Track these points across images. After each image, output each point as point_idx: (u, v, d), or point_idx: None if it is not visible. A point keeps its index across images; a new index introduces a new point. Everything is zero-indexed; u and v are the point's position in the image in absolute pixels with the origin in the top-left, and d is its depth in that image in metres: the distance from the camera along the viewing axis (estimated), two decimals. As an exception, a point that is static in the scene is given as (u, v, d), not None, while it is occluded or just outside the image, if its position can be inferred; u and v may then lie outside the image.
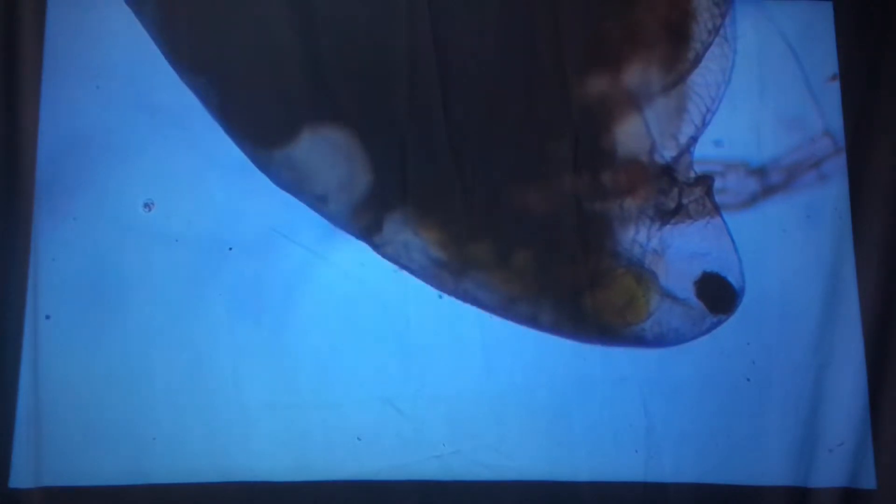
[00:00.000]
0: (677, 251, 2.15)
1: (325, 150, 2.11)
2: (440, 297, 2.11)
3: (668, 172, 2.16)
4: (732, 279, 2.14)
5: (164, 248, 2.06)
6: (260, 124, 2.12)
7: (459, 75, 2.15)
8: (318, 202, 2.11)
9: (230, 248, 2.08)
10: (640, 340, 2.12)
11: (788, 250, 2.16)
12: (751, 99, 2.21)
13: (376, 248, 2.11)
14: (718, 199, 2.16)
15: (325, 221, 2.11)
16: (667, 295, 2.13)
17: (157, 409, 2.02)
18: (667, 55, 2.19)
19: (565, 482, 2.07)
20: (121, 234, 2.06)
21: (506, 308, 2.11)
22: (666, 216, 2.15)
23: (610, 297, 2.12)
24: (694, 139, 2.18)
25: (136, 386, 2.02)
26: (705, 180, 2.17)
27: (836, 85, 2.22)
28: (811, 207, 2.18)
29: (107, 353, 2.03)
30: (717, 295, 2.14)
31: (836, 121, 2.21)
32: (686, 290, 2.13)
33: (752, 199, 2.18)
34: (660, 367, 2.11)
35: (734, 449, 2.09)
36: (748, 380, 2.11)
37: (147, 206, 2.08)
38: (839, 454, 2.10)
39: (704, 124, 2.18)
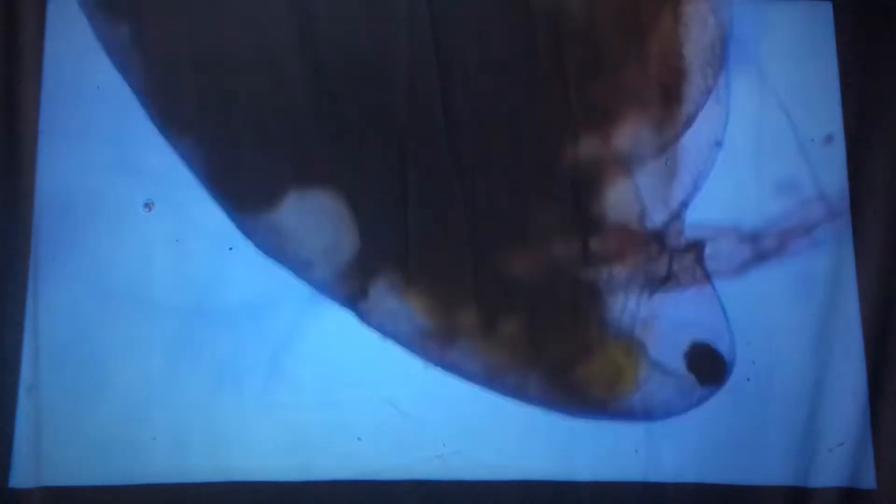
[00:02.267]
0: (667, 320, 2.11)
1: (311, 213, 2.08)
2: (426, 368, 2.08)
3: (658, 238, 2.12)
4: (723, 350, 2.10)
5: (164, 248, 2.07)
6: (245, 186, 2.08)
7: (454, 139, 2.12)
8: (302, 268, 2.07)
9: (230, 248, 2.08)
10: (628, 413, 2.08)
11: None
12: (744, 161, 2.17)
13: (361, 316, 2.07)
14: (709, 265, 2.14)
15: (308, 288, 2.07)
16: (656, 366, 2.09)
17: (157, 409, 2.02)
18: (659, 116, 2.16)
19: (565, 482, 2.07)
20: (121, 233, 2.07)
21: (493, 379, 2.07)
22: (656, 284, 2.11)
23: (598, 368, 2.08)
24: (685, 204, 2.14)
25: (136, 386, 2.02)
26: (696, 247, 2.13)
27: (831, 146, 2.19)
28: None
29: (107, 354, 2.03)
30: (707, 367, 2.10)
31: (831, 184, 2.18)
32: (676, 360, 2.09)
33: (744, 266, 2.14)
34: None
35: (734, 449, 2.09)
36: (748, 380, 2.11)
37: (147, 205, 2.08)
38: (839, 454, 2.10)
39: (696, 188, 2.15)
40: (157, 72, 2.10)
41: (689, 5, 2.19)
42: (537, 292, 2.09)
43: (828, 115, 2.21)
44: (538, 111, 2.15)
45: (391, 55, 2.13)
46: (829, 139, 2.19)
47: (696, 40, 2.19)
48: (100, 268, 2.05)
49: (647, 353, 2.09)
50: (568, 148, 2.13)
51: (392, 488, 2.04)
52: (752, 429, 2.09)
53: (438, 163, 2.11)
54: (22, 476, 1.99)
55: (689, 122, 2.16)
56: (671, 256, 2.12)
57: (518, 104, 2.15)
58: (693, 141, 2.16)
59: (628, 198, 2.13)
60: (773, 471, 2.09)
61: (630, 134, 2.15)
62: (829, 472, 2.09)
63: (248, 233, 2.07)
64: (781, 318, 2.13)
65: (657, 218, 2.13)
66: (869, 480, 2.10)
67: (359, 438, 2.05)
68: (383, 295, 2.08)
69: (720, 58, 2.19)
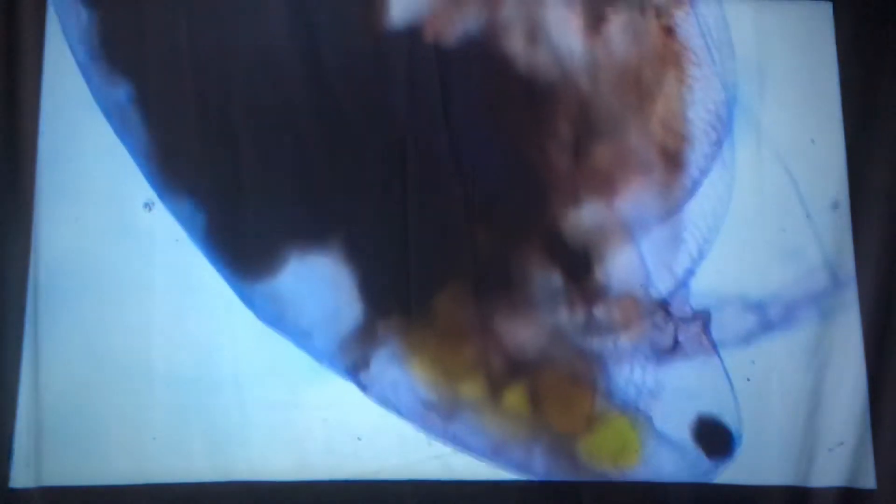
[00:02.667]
0: (673, 392, 2.08)
1: (311, 280, 2.05)
2: (429, 444, 2.05)
3: (663, 307, 2.10)
4: (729, 422, 2.07)
5: (164, 248, 2.07)
6: (245, 251, 2.06)
7: (458, 202, 2.10)
8: (302, 337, 2.04)
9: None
10: (633, 486, 2.06)
11: (789, 252, 2.16)
12: (749, 228, 2.15)
13: (363, 388, 2.05)
14: (715, 335, 2.11)
15: (308, 359, 2.04)
16: (662, 438, 2.07)
17: (157, 409, 2.02)
18: (662, 182, 2.14)
19: (565, 482, 2.07)
20: (121, 233, 2.07)
21: (497, 453, 2.04)
22: (661, 354, 2.09)
23: (603, 441, 2.06)
24: (691, 271, 2.12)
25: (136, 386, 2.02)
26: (701, 316, 2.11)
27: (837, 213, 2.17)
28: (811, 206, 2.18)
29: (107, 353, 2.02)
30: (715, 439, 2.07)
31: (836, 252, 2.16)
32: (682, 432, 2.07)
33: (749, 337, 2.12)
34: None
35: (686, 258, 2.10)
36: (748, 380, 2.11)
37: (147, 206, 2.08)
38: (839, 454, 2.10)
39: (702, 256, 2.12)
40: (156, 134, 2.07)
41: (695, 67, 2.18)
42: (542, 363, 2.07)
43: (828, 116, 2.21)
44: (539, 175, 2.13)
45: (397, 118, 2.12)
46: (835, 205, 2.18)
47: (700, 103, 2.17)
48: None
49: (652, 425, 2.06)
50: (570, 213, 2.11)
51: (392, 488, 2.04)
52: (752, 429, 2.09)
53: (441, 226, 2.09)
54: (22, 476, 1.99)
55: (694, 187, 2.14)
56: (676, 326, 2.09)
57: (520, 168, 2.13)
58: (698, 207, 2.14)
59: (633, 264, 2.11)
60: (773, 471, 2.09)
61: (633, 199, 2.12)
62: (829, 472, 2.09)
63: (248, 301, 2.05)
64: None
65: (662, 286, 2.11)
66: (869, 480, 2.10)
67: (359, 438, 2.05)
68: (385, 365, 2.05)
69: (725, 122, 2.17)
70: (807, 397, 2.11)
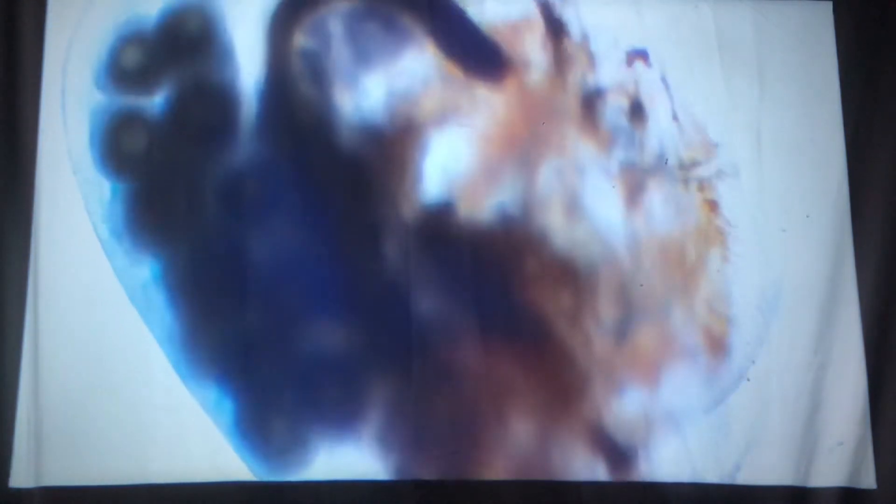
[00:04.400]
0: None
1: (341, 472, 2.02)
2: None
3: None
4: None
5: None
6: (274, 441, 2.01)
7: (486, 378, 2.06)
8: None
9: None
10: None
11: (789, 250, 2.16)
12: (795, 414, 2.10)
13: None
14: None
15: None
16: None
17: (157, 409, 2.02)
18: (707, 369, 2.09)
19: (565, 482, 2.07)
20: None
21: None
22: None
23: None
24: (738, 466, 2.07)
25: (136, 386, 2.02)
26: None
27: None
28: (811, 208, 2.18)
29: (107, 354, 2.02)
30: None
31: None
32: None
33: None
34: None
35: (734, 449, 2.09)
36: (748, 380, 2.11)
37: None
38: (839, 454, 2.10)
39: (749, 448, 2.07)
40: (182, 314, 2.03)
41: (739, 244, 2.13)
42: None
43: (828, 116, 2.21)
44: (580, 359, 2.08)
45: (422, 294, 2.08)
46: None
47: (746, 282, 2.12)
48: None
49: None
50: (613, 400, 2.08)
51: (392, 488, 2.04)
52: (752, 429, 2.09)
53: (470, 411, 2.05)
54: (22, 476, 1.99)
55: (741, 377, 2.09)
56: None
57: (559, 352, 2.08)
58: (744, 396, 2.09)
59: (678, 456, 2.07)
60: (773, 471, 2.09)
61: (678, 387, 2.08)
62: (829, 472, 2.09)
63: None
64: (789, 251, 2.13)
65: (709, 477, 2.07)
66: (869, 480, 2.10)
67: (360, 438, 2.05)
68: None
69: (772, 303, 2.12)
70: (807, 397, 2.11)
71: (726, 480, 2.06)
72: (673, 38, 2.20)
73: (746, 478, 2.08)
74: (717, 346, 2.11)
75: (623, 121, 2.16)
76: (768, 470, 2.09)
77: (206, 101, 2.09)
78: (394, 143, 2.11)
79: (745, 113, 2.19)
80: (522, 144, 2.13)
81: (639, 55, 2.19)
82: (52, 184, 2.06)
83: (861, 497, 2.09)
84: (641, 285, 2.09)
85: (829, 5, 2.25)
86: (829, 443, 2.10)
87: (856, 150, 2.20)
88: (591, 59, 2.17)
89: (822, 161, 2.20)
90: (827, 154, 2.20)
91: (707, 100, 2.19)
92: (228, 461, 2.02)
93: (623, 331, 2.09)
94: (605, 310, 2.09)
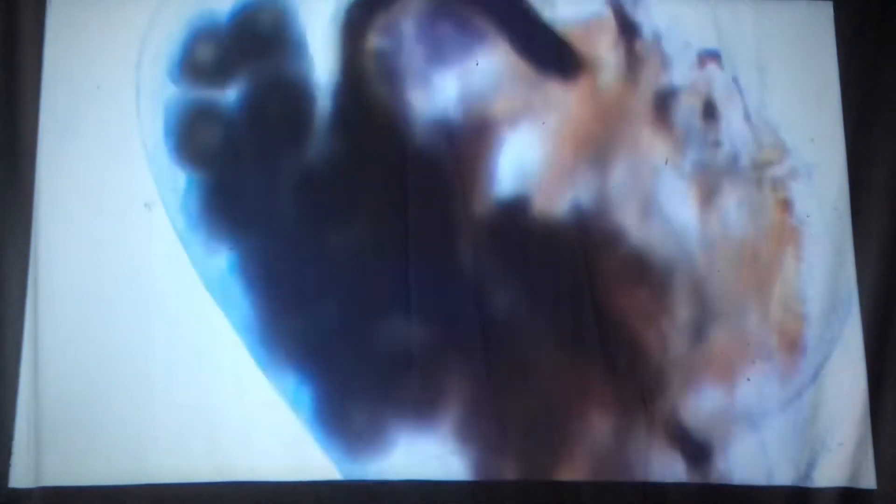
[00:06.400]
0: None
1: (420, 463, 2.02)
2: None
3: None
4: None
5: (163, 247, 2.07)
6: (354, 427, 2.02)
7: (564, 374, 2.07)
8: None
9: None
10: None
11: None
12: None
13: None
14: None
15: None
16: None
17: (157, 409, 2.02)
18: (783, 367, 2.09)
19: (565, 482, 2.07)
20: (121, 233, 2.07)
21: None
22: None
23: None
24: (812, 464, 2.08)
25: (137, 386, 2.02)
26: None
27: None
28: (811, 207, 2.18)
29: (107, 354, 2.02)
30: None
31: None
32: None
33: None
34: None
35: (734, 449, 2.09)
36: (748, 380, 2.11)
37: (147, 205, 2.08)
38: (839, 454, 2.10)
39: (826, 447, 2.08)
40: (260, 304, 2.04)
41: (814, 243, 2.14)
42: None
43: (828, 116, 2.21)
44: (657, 357, 2.09)
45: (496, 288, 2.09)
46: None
47: (820, 281, 2.13)
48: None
49: None
50: (690, 398, 2.08)
51: (391, 488, 2.04)
52: (752, 429, 2.09)
53: (547, 406, 2.06)
54: (22, 476, 1.99)
55: (816, 375, 2.09)
56: None
57: (636, 349, 2.08)
58: (819, 395, 2.10)
59: (754, 455, 2.07)
60: (773, 471, 2.09)
61: (752, 386, 2.08)
62: (829, 472, 2.09)
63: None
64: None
65: (785, 477, 2.07)
66: (869, 480, 2.10)
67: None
68: None
69: (846, 302, 2.12)
70: (807, 397, 2.11)
71: (802, 477, 2.07)
72: (745, 39, 2.21)
73: (747, 478, 2.08)
74: (792, 344, 2.11)
75: (695, 121, 2.17)
76: (768, 470, 2.08)
77: (280, 96, 2.11)
78: (467, 141, 2.13)
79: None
80: (596, 143, 2.15)
81: (711, 56, 2.20)
82: (52, 184, 2.06)
83: (861, 497, 2.09)
84: (719, 271, 2.10)
85: (830, 5, 2.25)
86: (829, 443, 2.10)
87: (856, 149, 2.20)
88: (664, 60, 2.18)
89: (822, 161, 2.20)
90: (827, 154, 2.20)
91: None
92: (229, 461, 2.02)
93: (699, 330, 2.10)
94: (681, 309, 2.10)
